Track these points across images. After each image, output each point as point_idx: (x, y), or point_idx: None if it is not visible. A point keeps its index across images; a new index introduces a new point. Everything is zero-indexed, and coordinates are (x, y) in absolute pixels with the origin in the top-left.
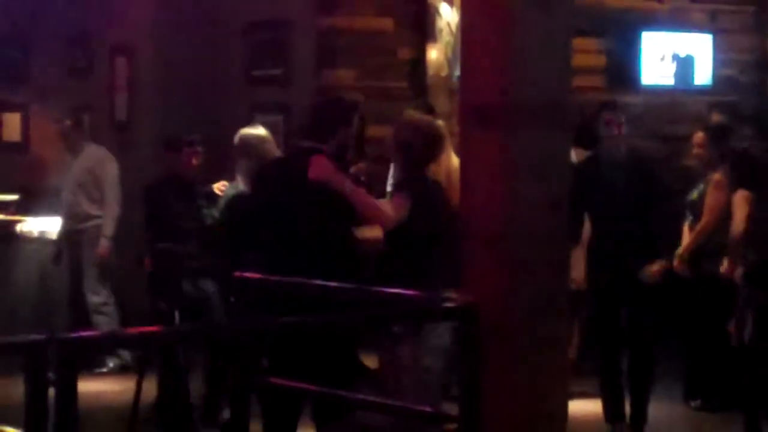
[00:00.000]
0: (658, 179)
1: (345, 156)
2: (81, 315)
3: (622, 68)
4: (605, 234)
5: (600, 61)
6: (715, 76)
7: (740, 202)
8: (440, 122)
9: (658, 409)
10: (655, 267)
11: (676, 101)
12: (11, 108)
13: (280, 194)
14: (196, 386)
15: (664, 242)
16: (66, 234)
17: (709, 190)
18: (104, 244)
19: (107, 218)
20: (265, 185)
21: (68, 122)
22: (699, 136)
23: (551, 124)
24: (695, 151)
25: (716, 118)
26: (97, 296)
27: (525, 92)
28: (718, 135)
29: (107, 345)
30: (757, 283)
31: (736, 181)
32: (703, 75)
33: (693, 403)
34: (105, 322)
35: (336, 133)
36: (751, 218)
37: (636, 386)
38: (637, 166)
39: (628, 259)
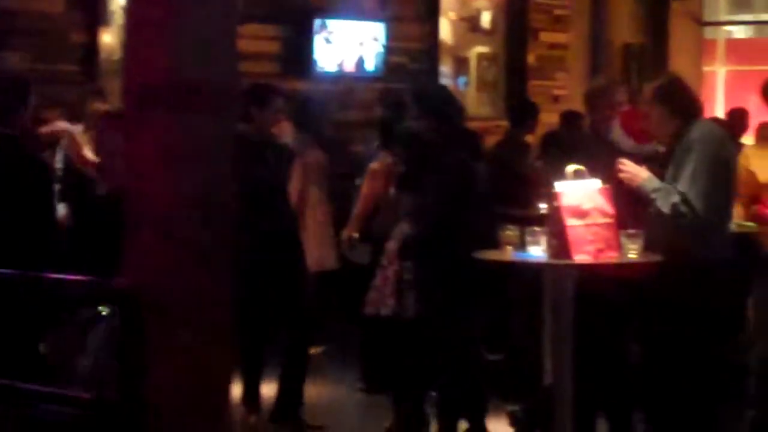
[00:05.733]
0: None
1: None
2: None
3: (296, 55)
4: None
5: (274, 47)
6: (387, 63)
7: None
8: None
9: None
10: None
11: (349, 88)
12: None
13: None
14: None
15: None
16: None
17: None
18: None
19: None
20: None
21: None
22: None
23: (215, 107)
24: None
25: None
26: None
27: (189, 74)
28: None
29: None
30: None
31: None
32: (374, 62)
33: (359, 386)
34: None
35: (18, 114)
36: None
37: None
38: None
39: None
